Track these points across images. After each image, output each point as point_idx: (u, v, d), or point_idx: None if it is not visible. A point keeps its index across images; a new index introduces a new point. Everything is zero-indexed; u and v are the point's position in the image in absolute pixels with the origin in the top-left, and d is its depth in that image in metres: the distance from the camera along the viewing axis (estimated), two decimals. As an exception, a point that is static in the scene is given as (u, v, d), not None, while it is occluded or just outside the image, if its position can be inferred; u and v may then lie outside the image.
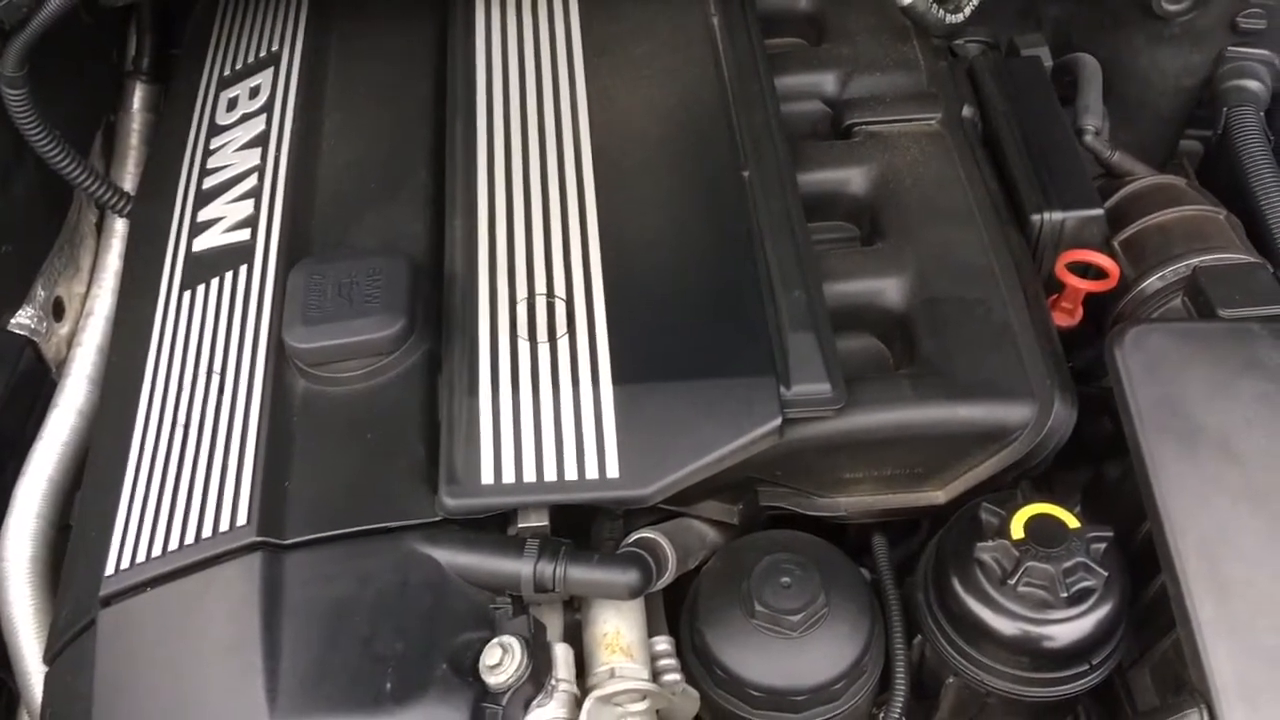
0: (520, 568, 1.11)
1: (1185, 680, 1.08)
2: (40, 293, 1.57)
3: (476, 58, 1.50)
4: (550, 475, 1.14)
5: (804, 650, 1.17)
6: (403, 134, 1.46)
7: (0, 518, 1.41)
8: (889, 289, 1.33)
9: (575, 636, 1.18)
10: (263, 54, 1.59)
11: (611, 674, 1.14)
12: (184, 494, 1.18)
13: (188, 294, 1.36)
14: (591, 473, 1.14)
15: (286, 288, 1.25)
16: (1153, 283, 1.41)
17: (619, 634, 1.17)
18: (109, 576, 1.16)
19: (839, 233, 1.45)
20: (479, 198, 1.35)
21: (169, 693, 1.10)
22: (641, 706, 1.14)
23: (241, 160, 1.46)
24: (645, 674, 1.15)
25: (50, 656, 1.23)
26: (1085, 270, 1.42)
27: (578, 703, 1.11)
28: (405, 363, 1.22)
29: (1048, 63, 1.70)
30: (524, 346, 1.22)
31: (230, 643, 1.08)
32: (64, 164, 1.53)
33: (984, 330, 1.29)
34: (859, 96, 1.53)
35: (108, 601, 1.15)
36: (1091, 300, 1.42)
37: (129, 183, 1.71)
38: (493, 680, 1.05)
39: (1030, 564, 1.13)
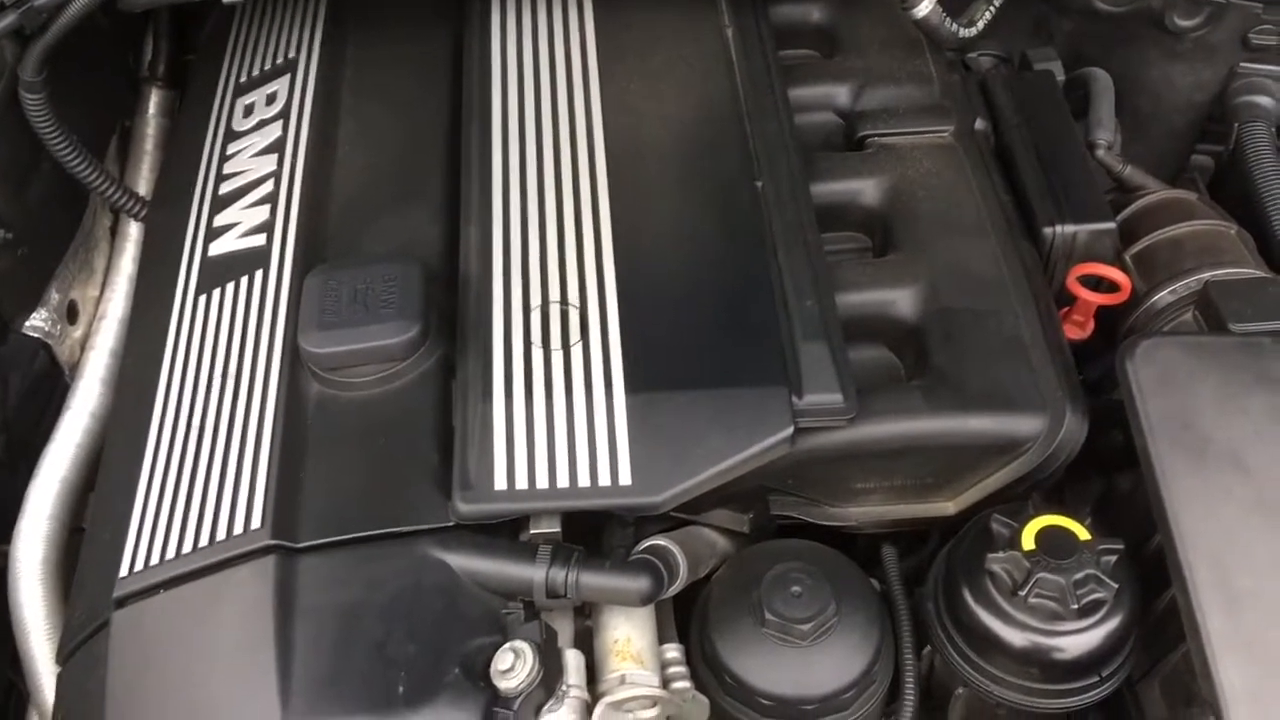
0: (533, 573, 1.12)
1: (1195, 693, 1.08)
2: (54, 296, 1.58)
3: (492, 65, 1.51)
4: (563, 482, 1.15)
5: (814, 659, 1.17)
6: (418, 141, 1.47)
7: (13, 519, 1.42)
8: (901, 300, 1.33)
9: (586, 643, 1.18)
10: (279, 61, 1.60)
11: (622, 680, 1.14)
12: (198, 497, 1.19)
13: (203, 298, 1.36)
14: (604, 480, 1.15)
15: (302, 293, 1.26)
16: (1164, 296, 1.42)
17: (629, 641, 1.17)
18: (123, 578, 1.16)
19: (851, 244, 1.46)
20: (494, 204, 1.36)
21: (182, 694, 1.10)
22: (651, 713, 1.14)
23: (258, 166, 1.47)
24: (655, 681, 1.15)
25: (63, 657, 1.23)
26: (1097, 283, 1.42)
27: (588, 708, 1.11)
28: (419, 368, 1.23)
29: (1060, 77, 1.70)
30: (538, 353, 1.23)
31: (244, 645, 1.09)
32: (80, 168, 1.54)
33: (995, 342, 1.29)
34: (872, 108, 1.54)
35: (122, 603, 1.16)
36: (1103, 313, 1.42)
37: (143, 187, 1.72)
38: (504, 685, 1.05)
39: (1041, 575, 1.14)
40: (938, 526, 1.34)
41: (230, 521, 1.15)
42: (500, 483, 1.15)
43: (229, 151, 1.51)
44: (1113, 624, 1.15)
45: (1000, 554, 1.16)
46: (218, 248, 1.41)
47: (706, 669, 1.21)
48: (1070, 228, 1.43)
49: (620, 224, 1.34)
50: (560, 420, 1.18)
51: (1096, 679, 1.18)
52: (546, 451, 1.16)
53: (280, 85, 1.55)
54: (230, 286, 1.36)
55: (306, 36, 1.61)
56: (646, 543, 1.21)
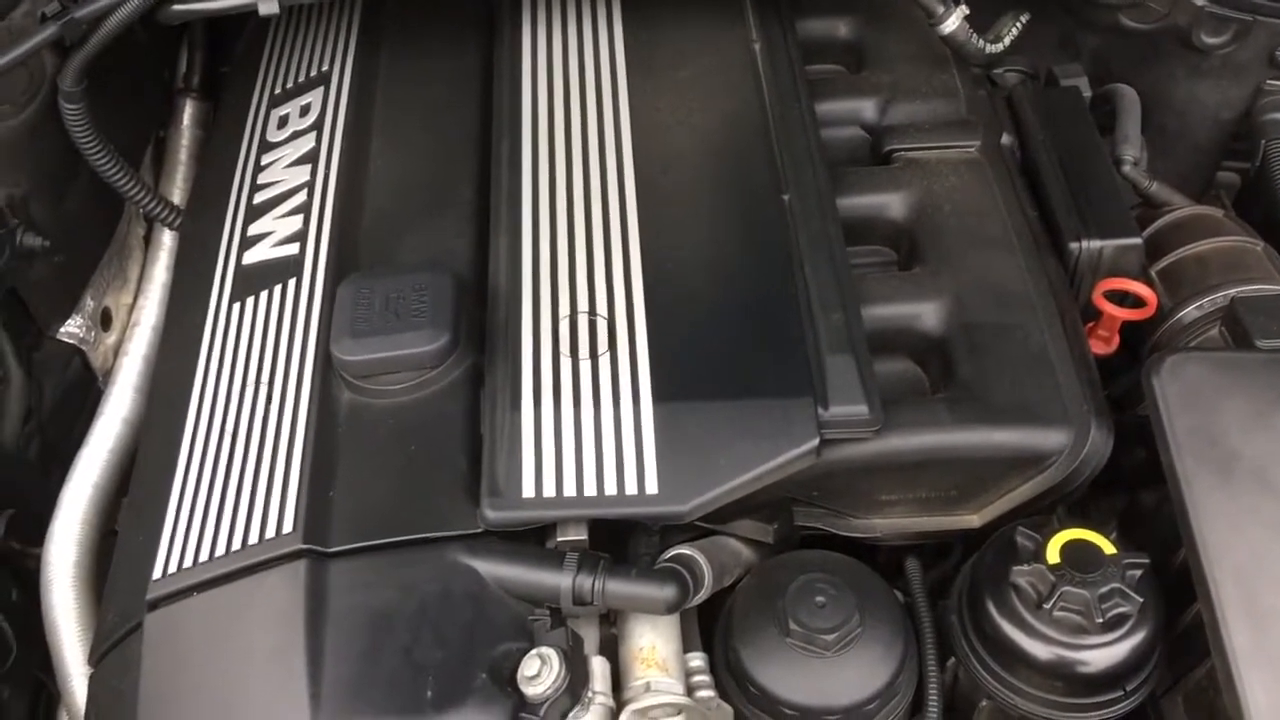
0: (559, 580, 1.13)
1: (1219, 708, 1.08)
2: (89, 303, 1.60)
3: (522, 79, 1.53)
4: (590, 490, 1.16)
5: (837, 670, 1.18)
6: (449, 153, 1.49)
7: (46, 522, 1.44)
8: (927, 313, 1.34)
9: (611, 650, 1.19)
10: (313, 73, 1.62)
11: (647, 688, 1.15)
12: (231, 501, 1.21)
13: (237, 306, 1.38)
14: (630, 488, 1.16)
15: (335, 301, 1.28)
16: (1190, 312, 1.42)
17: (655, 649, 1.18)
18: (156, 580, 1.18)
19: (877, 257, 1.46)
20: (523, 216, 1.38)
21: (213, 696, 1.12)
22: (676, 721, 1.15)
23: (291, 176, 1.49)
24: (680, 689, 1.16)
25: (95, 659, 1.25)
26: (1123, 298, 1.42)
27: (613, 715, 1.12)
28: (449, 377, 1.24)
29: (1086, 93, 1.71)
30: (566, 363, 1.24)
31: (274, 648, 1.10)
32: (116, 177, 1.56)
33: (1021, 356, 1.29)
34: (898, 123, 1.55)
35: (154, 605, 1.17)
36: (1128, 328, 1.42)
37: (177, 197, 1.75)
38: (530, 691, 1.06)
39: (1066, 589, 1.14)
40: (962, 539, 1.34)
41: (262, 526, 1.17)
42: (528, 490, 1.16)
43: (263, 162, 1.54)
44: (1137, 638, 1.15)
45: (1025, 567, 1.16)
46: (251, 256, 1.43)
47: (730, 678, 1.21)
48: (1096, 243, 1.43)
49: (648, 236, 1.35)
50: (588, 429, 1.19)
51: (1121, 693, 1.18)
52: (574, 459, 1.17)
53: (314, 97, 1.58)
54: (264, 294, 1.38)
55: (340, 50, 1.63)
56: (672, 551, 1.22)
